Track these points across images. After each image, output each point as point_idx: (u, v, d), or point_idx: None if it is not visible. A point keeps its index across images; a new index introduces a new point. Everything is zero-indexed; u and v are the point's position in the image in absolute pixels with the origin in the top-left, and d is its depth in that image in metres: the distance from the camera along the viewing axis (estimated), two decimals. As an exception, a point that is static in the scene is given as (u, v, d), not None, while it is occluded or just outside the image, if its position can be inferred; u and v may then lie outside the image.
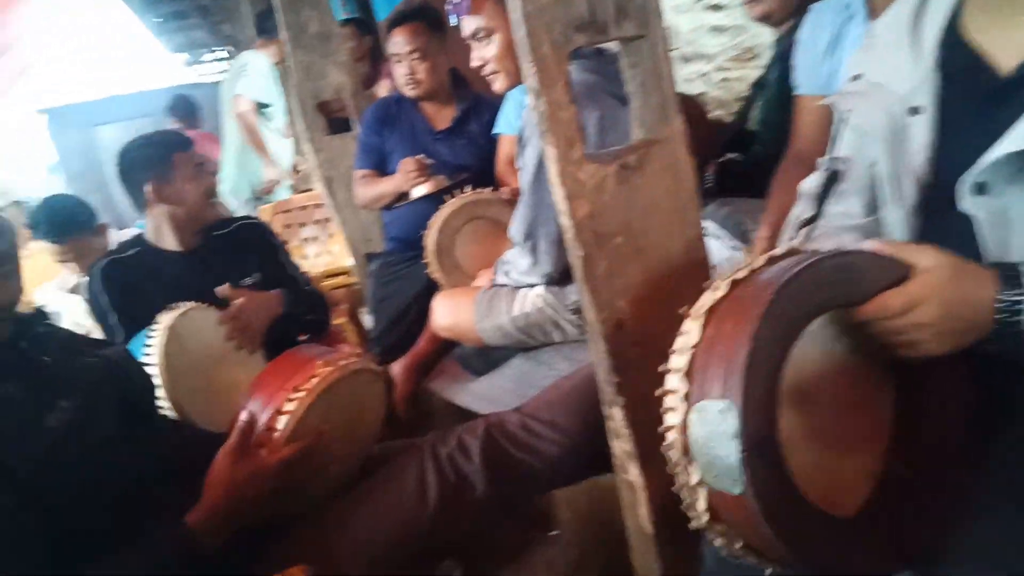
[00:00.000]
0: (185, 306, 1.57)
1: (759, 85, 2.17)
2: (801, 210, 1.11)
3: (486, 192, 1.95)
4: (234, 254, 1.92)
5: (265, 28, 3.69)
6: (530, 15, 0.86)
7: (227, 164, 3.83)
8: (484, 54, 1.64)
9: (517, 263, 1.63)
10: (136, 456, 1.06)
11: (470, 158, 2.40)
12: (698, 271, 0.99)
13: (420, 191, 2.17)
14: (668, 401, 0.75)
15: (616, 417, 0.99)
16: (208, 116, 5.93)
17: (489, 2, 1.60)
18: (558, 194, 0.91)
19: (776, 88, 1.90)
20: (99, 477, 0.99)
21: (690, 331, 0.74)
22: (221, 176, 3.86)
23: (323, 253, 3.13)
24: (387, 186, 2.32)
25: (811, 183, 1.10)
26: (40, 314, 1.16)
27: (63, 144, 8.07)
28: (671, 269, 0.97)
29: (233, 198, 3.80)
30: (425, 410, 2.16)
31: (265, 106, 3.67)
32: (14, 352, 1.04)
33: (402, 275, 2.36)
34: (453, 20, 1.69)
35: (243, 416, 1.04)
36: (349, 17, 4.28)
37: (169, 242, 1.83)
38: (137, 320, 1.76)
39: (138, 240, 1.89)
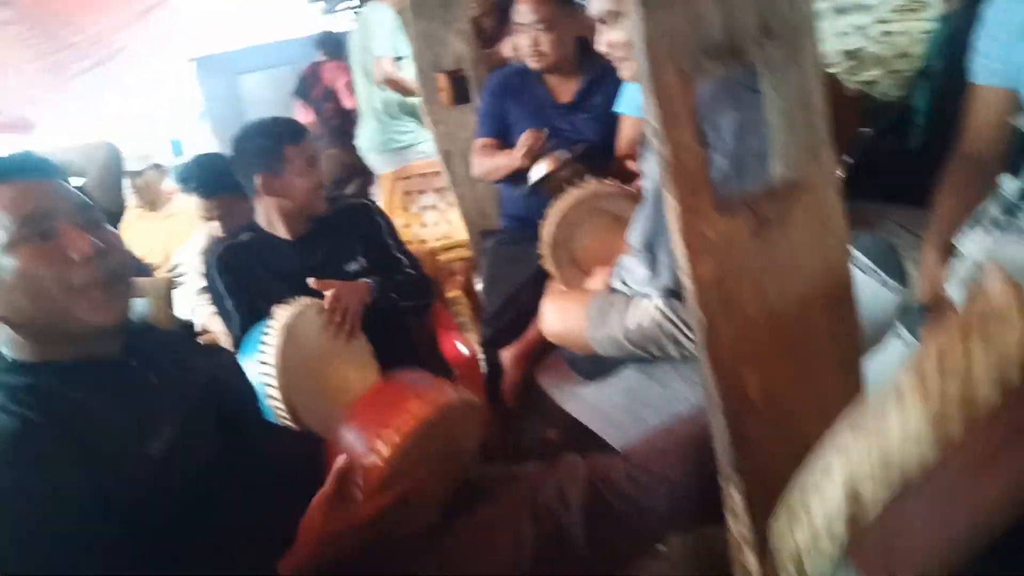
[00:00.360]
0: (300, 304, 1.56)
1: (923, 74, 1.87)
2: (992, 210, 0.93)
3: (608, 184, 1.81)
4: (341, 237, 1.91)
5: None
6: (653, 40, 0.72)
7: (366, 120, 3.80)
8: (611, 38, 1.49)
9: (635, 271, 1.50)
10: (233, 477, 1.06)
11: (592, 133, 2.28)
12: (846, 341, 0.84)
13: (539, 170, 2.06)
14: (819, 484, 0.53)
15: (734, 497, 0.87)
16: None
17: None
18: (679, 249, 0.78)
19: (943, 74, 1.62)
20: (196, 503, 0.99)
21: (920, 442, 0.44)
22: (359, 132, 3.86)
23: (441, 222, 3.11)
24: (504, 159, 2.23)
25: (1012, 184, 0.92)
26: (148, 327, 1.17)
27: (210, 92, 8.50)
28: (812, 338, 0.82)
29: (375, 153, 3.78)
30: (534, 399, 2.10)
31: (399, 58, 3.62)
32: (123, 371, 1.04)
33: (516, 256, 2.29)
34: (579, -2, 1.56)
35: (340, 461, 1.00)
36: (476, -31, 4.11)
37: (279, 230, 1.83)
38: (252, 305, 1.79)
39: (252, 225, 1.91)
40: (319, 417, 1.43)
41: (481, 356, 2.29)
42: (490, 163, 2.29)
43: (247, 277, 1.84)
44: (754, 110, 1.25)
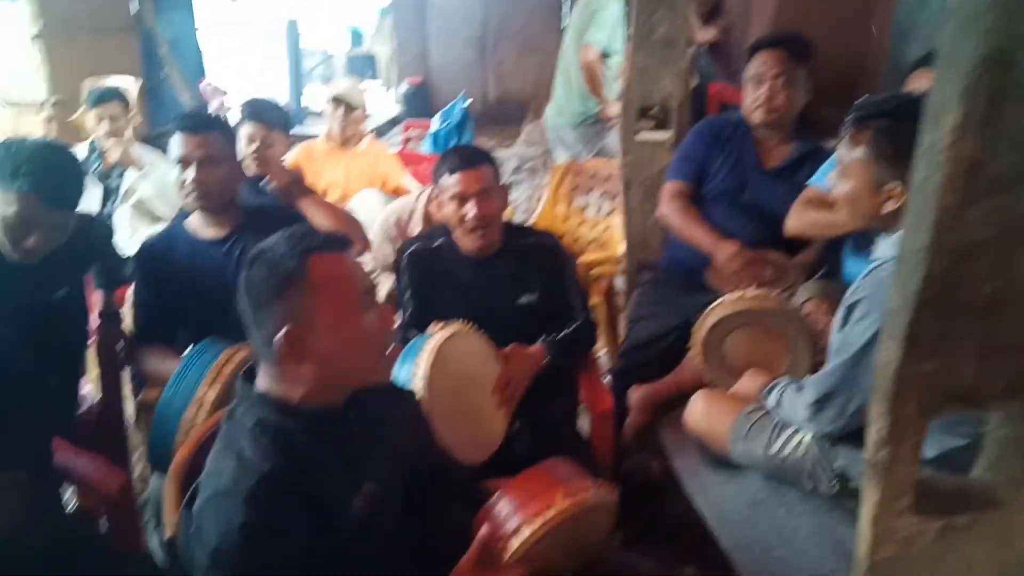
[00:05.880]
0: (452, 328, 1.68)
1: None
2: None
3: (773, 296, 1.81)
4: (523, 267, 2.02)
5: None
6: (903, 376, 0.79)
7: (559, 89, 3.95)
8: (840, 189, 1.52)
9: (795, 407, 1.55)
10: (414, 538, 1.23)
11: (786, 209, 2.21)
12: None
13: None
14: None
15: None
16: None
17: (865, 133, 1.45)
18: (863, 537, 0.87)
19: None
20: (383, 562, 1.16)
21: None
22: (553, 97, 4.02)
23: (601, 223, 3.17)
24: (704, 240, 2.21)
25: None
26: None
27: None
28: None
29: (559, 119, 3.97)
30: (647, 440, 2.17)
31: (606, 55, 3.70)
32: (343, 425, 1.17)
33: (669, 300, 2.33)
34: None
35: (484, 529, 1.16)
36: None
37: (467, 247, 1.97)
38: (427, 306, 1.97)
39: (445, 230, 2.05)
40: (457, 442, 1.53)
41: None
42: (685, 227, 2.26)
43: (428, 282, 2.01)
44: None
